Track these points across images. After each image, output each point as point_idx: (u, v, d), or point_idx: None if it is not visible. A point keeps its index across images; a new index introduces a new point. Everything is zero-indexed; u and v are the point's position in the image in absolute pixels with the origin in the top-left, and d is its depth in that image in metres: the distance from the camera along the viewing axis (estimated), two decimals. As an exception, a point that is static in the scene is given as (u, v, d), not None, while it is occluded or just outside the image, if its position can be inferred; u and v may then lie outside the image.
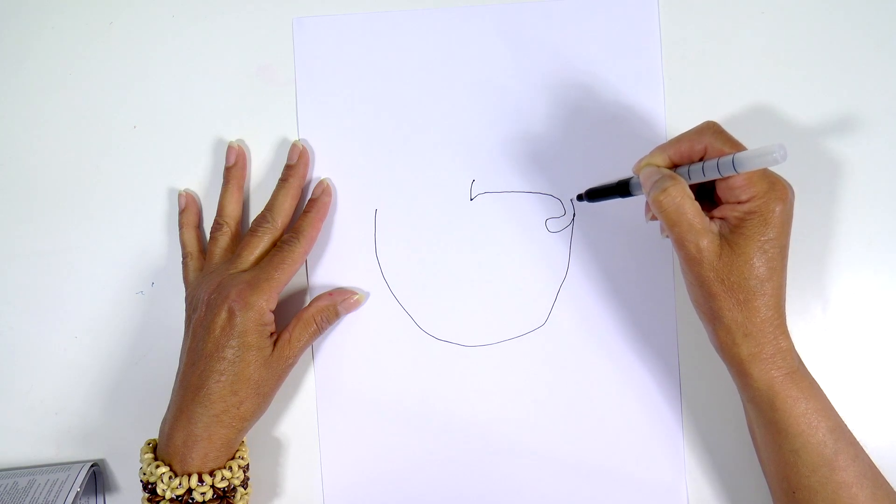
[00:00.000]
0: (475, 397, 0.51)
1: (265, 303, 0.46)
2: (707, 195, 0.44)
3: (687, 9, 0.51)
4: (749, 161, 0.38)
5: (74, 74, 0.53)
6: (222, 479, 0.46)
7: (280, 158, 0.52)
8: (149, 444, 0.47)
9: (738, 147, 0.41)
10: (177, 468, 0.45)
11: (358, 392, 0.52)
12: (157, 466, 0.45)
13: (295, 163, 0.51)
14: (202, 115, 0.53)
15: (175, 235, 0.52)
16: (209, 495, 0.45)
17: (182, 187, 0.53)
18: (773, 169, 0.41)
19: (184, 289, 0.51)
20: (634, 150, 0.49)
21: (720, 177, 0.40)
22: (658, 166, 0.43)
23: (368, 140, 0.52)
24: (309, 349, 0.52)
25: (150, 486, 0.46)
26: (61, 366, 0.53)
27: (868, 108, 0.50)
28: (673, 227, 0.41)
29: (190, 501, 0.45)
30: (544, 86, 0.51)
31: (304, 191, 0.52)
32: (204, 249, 0.52)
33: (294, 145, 0.51)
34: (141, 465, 0.47)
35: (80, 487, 0.49)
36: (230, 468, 0.46)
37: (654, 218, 0.46)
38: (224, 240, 0.50)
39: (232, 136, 0.53)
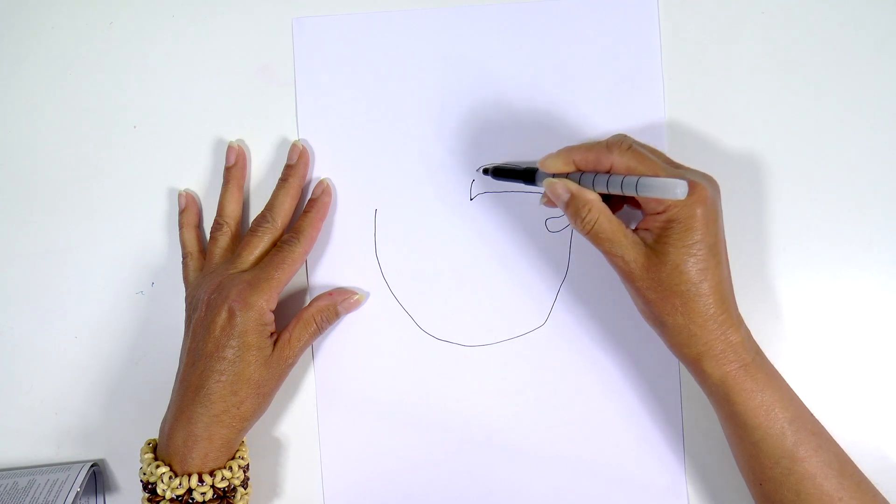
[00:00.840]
0: (475, 397, 0.51)
1: (265, 303, 0.46)
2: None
3: (687, 9, 0.51)
4: (651, 188, 0.39)
5: (74, 74, 0.53)
6: (222, 479, 0.46)
7: (280, 158, 0.52)
8: (149, 444, 0.47)
9: (648, 162, 0.41)
10: (177, 468, 0.45)
11: (358, 392, 0.52)
12: (158, 466, 0.45)
13: (295, 163, 0.51)
14: (202, 115, 0.53)
15: (175, 235, 0.52)
16: (209, 495, 0.45)
17: (182, 187, 0.53)
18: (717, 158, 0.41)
19: (184, 289, 0.51)
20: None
21: (622, 194, 0.41)
22: (564, 174, 0.44)
23: (368, 140, 0.52)
24: (309, 349, 0.52)
25: (150, 486, 0.46)
26: (61, 366, 0.53)
27: (868, 108, 0.50)
28: (598, 246, 0.42)
29: (190, 501, 0.45)
30: (544, 85, 0.51)
31: (304, 191, 0.52)
32: (204, 249, 0.52)
33: (294, 145, 0.51)
34: (141, 465, 0.47)
35: (80, 487, 0.49)
36: (230, 468, 0.46)
37: (549, 203, 0.46)
38: (224, 240, 0.50)
39: (232, 136, 0.53)
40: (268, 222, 0.49)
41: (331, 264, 0.52)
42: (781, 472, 0.41)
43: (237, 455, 0.47)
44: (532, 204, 0.51)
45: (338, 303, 0.50)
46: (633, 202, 0.46)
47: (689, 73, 0.51)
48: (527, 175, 0.47)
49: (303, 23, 0.52)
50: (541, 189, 0.46)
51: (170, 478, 0.45)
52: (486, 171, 0.50)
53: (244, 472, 0.47)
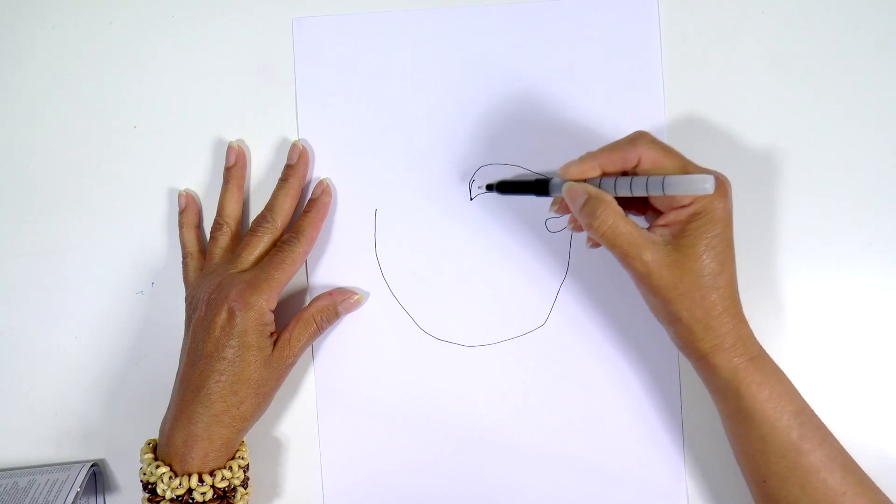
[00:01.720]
0: (475, 397, 0.51)
1: (265, 303, 0.46)
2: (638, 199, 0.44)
3: (687, 9, 0.51)
4: (678, 186, 0.39)
5: (74, 74, 0.53)
6: (222, 479, 0.46)
7: (280, 158, 0.52)
8: (149, 444, 0.47)
9: (672, 156, 0.42)
10: (177, 468, 0.45)
11: (358, 392, 0.52)
12: (158, 466, 0.45)
13: (295, 163, 0.51)
14: (202, 115, 0.53)
15: (175, 235, 0.52)
16: (209, 495, 0.45)
17: (182, 187, 0.53)
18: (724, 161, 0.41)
19: (184, 289, 0.51)
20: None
21: (647, 195, 0.41)
22: (584, 180, 0.43)
23: (368, 140, 0.52)
24: (309, 349, 0.52)
25: (150, 486, 0.46)
26: (61, 366, 0.53)
27: (868, 108, 0.50)
28: (614, 249, 0.42)
29: (190, 501, 0.45)
30: (544, 86, 0.51)
31: (304, 191, 0.52)
32: (204, 249, 0.52)
33: (294, 145, 0.51)
34: (141, 465, 0.47)
35: (80, 487, 0.49)
36: (230, 468, 0.46)
37: (559, 211, 0.46)
38: (224, 240, 0.50)
39: (232, 136, 0.53)
40: (268, 222, 0.49)
41: (331, 264, 0.52)
42: (787, 467, 0.42)
43: (237, 455, 0.47)
44: (532, 204, 0.51)
45: (338, 303, 0.50)
46: (644, 206, 0.46)
47: (689, 73, 0.51)
48: (538, 186, 0.46)
49: (303, 23, 0.52)
50: (549, 199, 0.46)
51: (170, 478, 0.45)
52: (489, 188, 0.50)
53: (244, 472, 0.47)
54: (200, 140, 0.53)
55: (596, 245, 0.46)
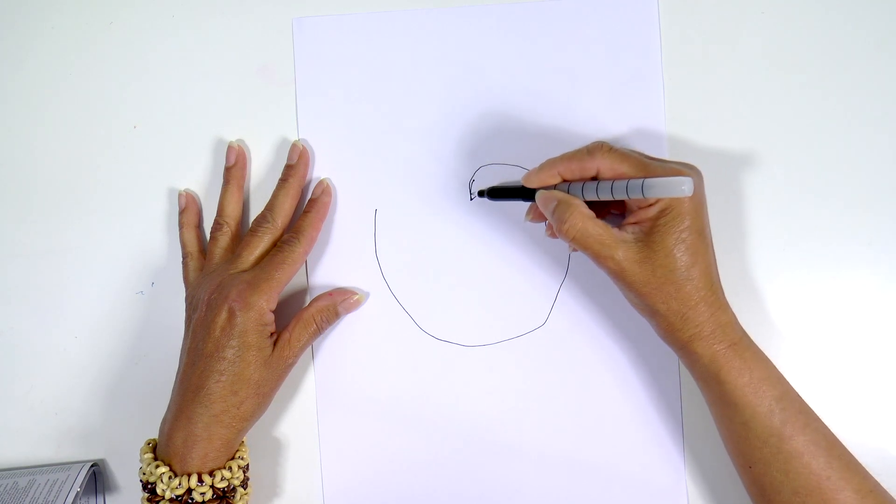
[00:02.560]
0: (475, 397, 0.51)
1: (265, 303, 0.46)
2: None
3: (687, 9, 0.51)
4: (657, 189, 0.40)
5: (74, 74, 0.53)
6: (222, 479, 0.46)
7: (280, 158, 0.52)
8: (149, 444, 0.47)
9: (630, 161, 0.42)
10: (176, 468, 0.45)
11: (358, 392, 0.52)
12: (157, 466, 0.45)
13: (295, 163, 0.51)
14: (202, 115, 0.53)
15: (175, 235, 0.52)
16: (209, 495, 0.45)
17: (182, 187, 0.53)
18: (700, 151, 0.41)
19: (184, 289, 0.51)
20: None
21: (627, 198, 0.42)
22: (553, 187, 0.45)
23: (368, 140, 0.52)
24: (309, 349, 0.52)
25: (149, 486, 0.46)
26: (61, 366, 0.53)
27: (868, 108, 0.50)
28: (586, 250, 0.43)
29: (190, 501, 0.45)
30: (544, 86, 0.51)
31: (304, 191, 0.52)
32: (204, 249, 0.52)
33: (294, 145, 0.51)
34: (141, 465, 0.47)
35: (80, 487, 0.49)
36: (230, 468, 0.46)
37: (534, 219, 0.48)
38: (224, 240, 0.50)
39: (232, 136, 0.53)
40: (268, 222, 0.49)
41: (331, 264, 0.52)
42: (770, 452, 0.42)
43: (237, 455, 0.47)
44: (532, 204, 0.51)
45: (338, 303, 0.50)
46: (616, 207, 0.46)
47: (689, 73, 0.51)
48: (526, 192, 0.47)
49: (303, 23, 0.52)
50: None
51: (169, 478, 0.45)
52: (481, 194, 0.50)
53: (244, 472, 0.47)
54: (200, 140, 0.53)
55: (577, 248, 0.46)
